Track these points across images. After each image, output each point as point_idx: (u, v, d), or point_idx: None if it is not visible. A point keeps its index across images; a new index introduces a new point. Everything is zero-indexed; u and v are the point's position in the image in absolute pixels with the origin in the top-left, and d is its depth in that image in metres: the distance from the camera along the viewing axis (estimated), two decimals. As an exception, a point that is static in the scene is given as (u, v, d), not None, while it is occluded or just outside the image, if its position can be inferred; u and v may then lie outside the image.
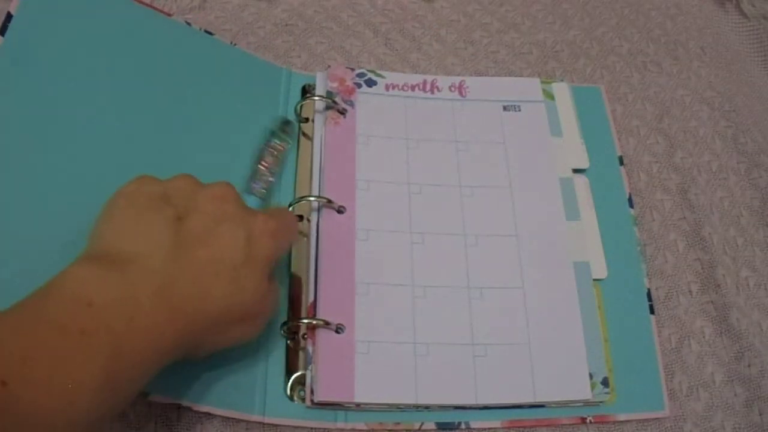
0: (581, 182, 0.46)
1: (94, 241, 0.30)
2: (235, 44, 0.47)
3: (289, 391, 0.39)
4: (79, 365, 0.25)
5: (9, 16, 0.38)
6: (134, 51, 0.42)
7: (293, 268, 0.42)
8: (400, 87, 0.48)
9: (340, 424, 0.38)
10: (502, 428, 0.40)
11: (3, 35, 0.37)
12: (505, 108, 0.48)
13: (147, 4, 0.44)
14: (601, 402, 0.40)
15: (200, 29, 0.45)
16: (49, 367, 0.24)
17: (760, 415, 0.42)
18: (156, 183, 0.32)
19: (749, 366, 0.43)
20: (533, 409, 0.40)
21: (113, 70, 0.40)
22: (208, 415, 0.37)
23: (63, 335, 0.25)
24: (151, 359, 0.28)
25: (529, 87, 0.49)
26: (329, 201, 0.42)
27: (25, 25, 0.38)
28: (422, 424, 0.39)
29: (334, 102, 0.46)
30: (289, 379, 0.39)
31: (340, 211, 0.42)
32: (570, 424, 0.40)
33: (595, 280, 0.43)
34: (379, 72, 0.48)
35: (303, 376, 0.39)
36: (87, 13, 0.41)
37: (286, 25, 0.53)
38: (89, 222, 0.31)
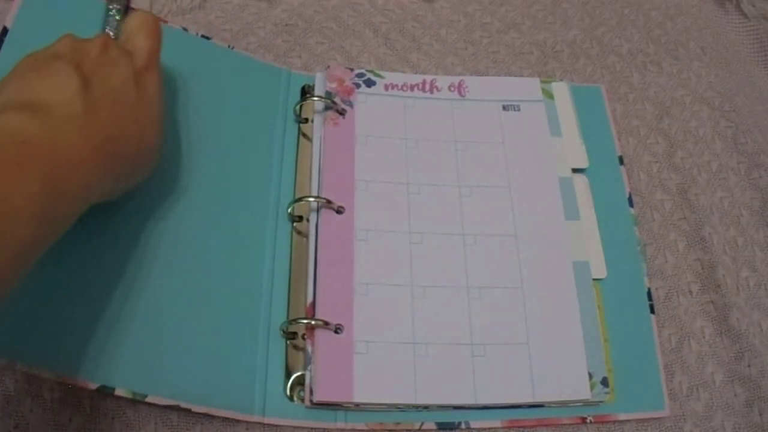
0: (581, 182, 0.46)
1: (8, 97, 0.31)
2: (232, 47, 0.47)
3: (288, 392, 0.39)
4: (17, 191, 0.27)
5: (5, 30, 0.38)
6: None
7: (293, 268, 0.42)
8: (399, 87, 0.48)
9: (340, 424, 0.38)
10: (503, 428, 0.40)
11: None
12: (504, 108, 0.48)
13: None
14: (600, 402, 0.40)
15: (197, 34, 0.46)
16: None
17: (760, 415, 0.42)
18: (40, 50, 0.33)
19: (749, 366, 0.43)
20: (533, 409, 0.40)
21: None
22: (208, 415, 0.37)
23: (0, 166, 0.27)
24: (80, 195, 0.30)
25: (529, 86, 0.49)
26: (328, 201, 0.42)
27: (21, 37, 0.38)
28: (422, 423, 0.39)
29: (333, 102, 0.46)
30: (288, 379, 0.39)
31: (339, 211, 0.42)
32: (570, 424, 0.40)
33: (594, 279, 0.43)
34: (378, 72, 0.48)
35: (302, 377, 0.39)
36: (84, 24, 0.41)
37: (286, 25, 0.53)
38: None
